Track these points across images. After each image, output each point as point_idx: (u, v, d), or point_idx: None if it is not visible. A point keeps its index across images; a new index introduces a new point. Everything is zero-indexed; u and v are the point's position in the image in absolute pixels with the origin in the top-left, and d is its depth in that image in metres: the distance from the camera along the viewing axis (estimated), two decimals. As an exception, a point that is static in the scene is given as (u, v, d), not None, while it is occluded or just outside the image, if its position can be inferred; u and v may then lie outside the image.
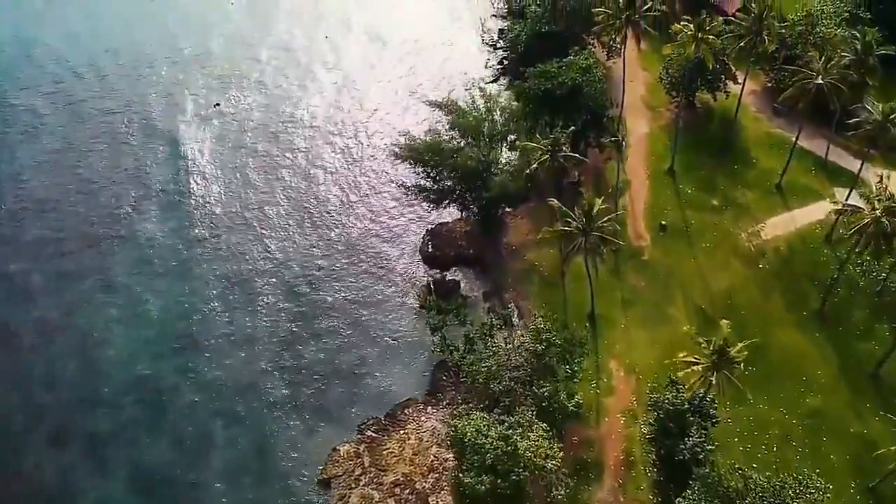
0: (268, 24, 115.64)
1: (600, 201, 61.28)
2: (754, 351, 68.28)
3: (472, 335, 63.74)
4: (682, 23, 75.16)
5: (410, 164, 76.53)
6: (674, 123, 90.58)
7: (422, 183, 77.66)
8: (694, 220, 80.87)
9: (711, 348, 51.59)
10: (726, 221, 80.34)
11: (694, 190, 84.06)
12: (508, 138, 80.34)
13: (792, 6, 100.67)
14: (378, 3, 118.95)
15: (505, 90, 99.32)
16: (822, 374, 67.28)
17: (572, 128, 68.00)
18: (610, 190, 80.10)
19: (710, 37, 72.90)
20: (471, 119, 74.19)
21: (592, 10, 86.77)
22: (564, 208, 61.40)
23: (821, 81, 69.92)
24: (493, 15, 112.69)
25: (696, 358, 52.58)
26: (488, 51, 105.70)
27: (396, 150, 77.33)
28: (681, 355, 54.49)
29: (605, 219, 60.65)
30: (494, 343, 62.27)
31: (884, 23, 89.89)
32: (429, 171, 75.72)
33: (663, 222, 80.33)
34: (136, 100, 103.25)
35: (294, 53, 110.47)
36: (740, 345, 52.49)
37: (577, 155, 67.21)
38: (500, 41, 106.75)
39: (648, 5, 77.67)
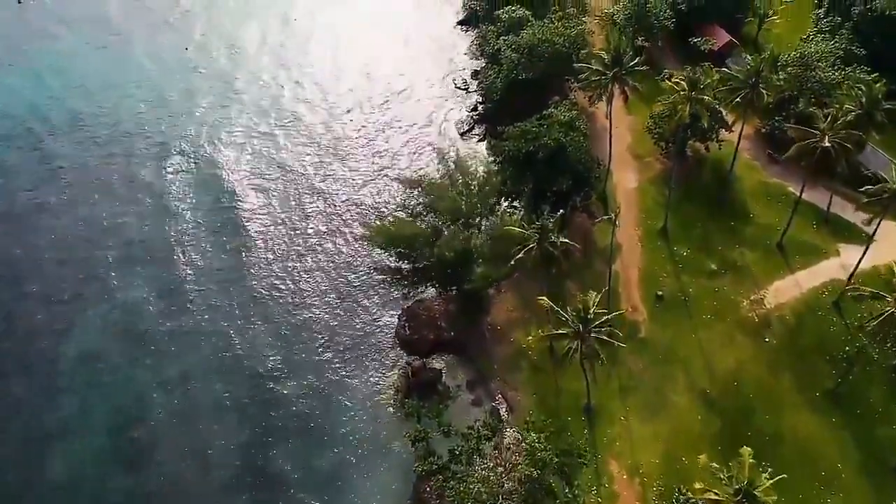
0: (221, 75, 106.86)
1: (595, 297, 54.53)
2: (766, 442, 63.20)
3: (457, 451, 56.59)
4: (673, 79, 68.75)
5: (382, 248, 69.07)
6: (664, 176, 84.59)
7: (395, 265, 70.21)
8: (692, 287, 74.64)
9: (734, 487, 44.98)
10: (726, 288, 74.32)
11: (690, 251, 77.87)
12: (490, 201, 73.55)
13: (784, 44, 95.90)
14: (336, 42, 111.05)
15: (481, 140, 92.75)
16: (842, 469, 61.44)
17: (561, 212, 61.23)
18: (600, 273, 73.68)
19: (706, 97, 66.57)
20: (448, 199, 66.74)
21: (574, 62, 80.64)
22: (556, 307, 54.62)
23: (827, 144, 63.89)
24: (465, 53, 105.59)
25: (716, 495, 45.99)
26: (461, 96, 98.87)
27: (367, 232, 69.63)
28: (697, 486, 47.92)
29: (603, 320, 53.83)
30: (483, 461, 55.17)
31: (879, 59, 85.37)
32: (403, 251, 68.31)
33: (659, 292, 73.98)
34: (76, 159, 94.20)
35: (249, 109, 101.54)
36: (766, 479, 45.96)
37: (567, 241, 60.32)
38: (474, 83, 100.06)
39: (636, 61, 71.08)
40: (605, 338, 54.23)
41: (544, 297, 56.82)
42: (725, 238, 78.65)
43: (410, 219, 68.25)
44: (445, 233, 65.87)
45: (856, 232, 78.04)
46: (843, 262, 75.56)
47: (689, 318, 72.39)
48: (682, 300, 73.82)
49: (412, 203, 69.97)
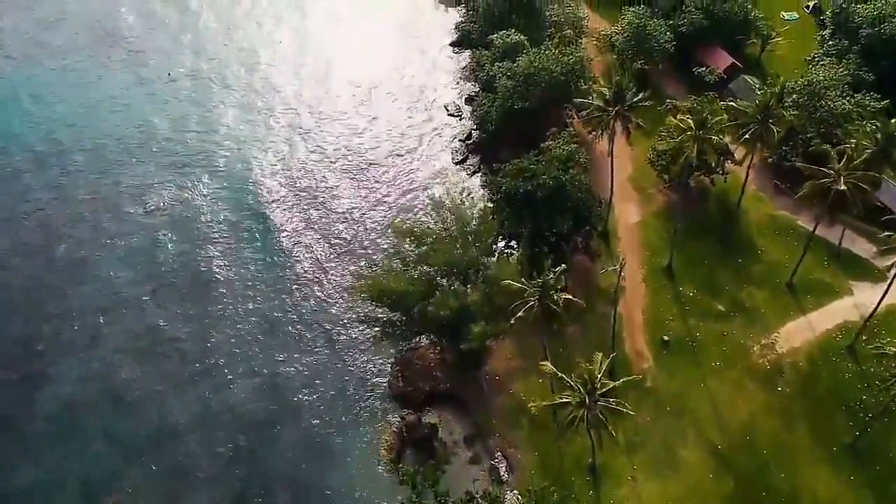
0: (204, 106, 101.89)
1: (600, 363, 50.71)
2: (782, 503, 59.84)
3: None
4: (678, 116, 65.16)
5: (371, 302, 65.09)
6: (667, 209, 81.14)
7: (387, 317, 66.27)
8: (699, 331, 71.10)
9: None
10: (735, 331, 70.81)
11: (696, 292, 74.30)
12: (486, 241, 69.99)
13: (788, 66, 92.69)
14: (325, 65, 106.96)
15: (476, 172, 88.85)
16: (865, 535, 58.09)
17: (563, 267, 57.42)
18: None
19: (714, 137, 62.95)
20: (443, 252, 62.79)
21: (573, 90, 77.08)
22: (560, 373, 50.88)
23: (843, 187, 60.39)
24: (459, 77, 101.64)
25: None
26: (454, 124, 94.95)
27: (358, 283, 65.57)
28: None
29: (611, 387, 50.10)
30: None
31: (886, 83, 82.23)
32: (395, 302, 64.41)
33: (665, 337, 70.40)
34: (60, 191, 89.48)
35: (236, 137, 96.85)
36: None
37: (570, 297, 56.58)
38: (468, 109, 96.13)
39: (639, 97, 67.37)
40: (613, 405, 50.52)
41: (547, 363, 53.12)
42: (733, 277, 75.16)
43: (403, 269, 64.19)
44: (440, 284, 61.81)
45: (868, 268, 75.00)
46: (856, 301, 72.32)
47: (698, 366, 68.86)
48: (690, 345, 70.27)
49: (404, 250, 65.89)
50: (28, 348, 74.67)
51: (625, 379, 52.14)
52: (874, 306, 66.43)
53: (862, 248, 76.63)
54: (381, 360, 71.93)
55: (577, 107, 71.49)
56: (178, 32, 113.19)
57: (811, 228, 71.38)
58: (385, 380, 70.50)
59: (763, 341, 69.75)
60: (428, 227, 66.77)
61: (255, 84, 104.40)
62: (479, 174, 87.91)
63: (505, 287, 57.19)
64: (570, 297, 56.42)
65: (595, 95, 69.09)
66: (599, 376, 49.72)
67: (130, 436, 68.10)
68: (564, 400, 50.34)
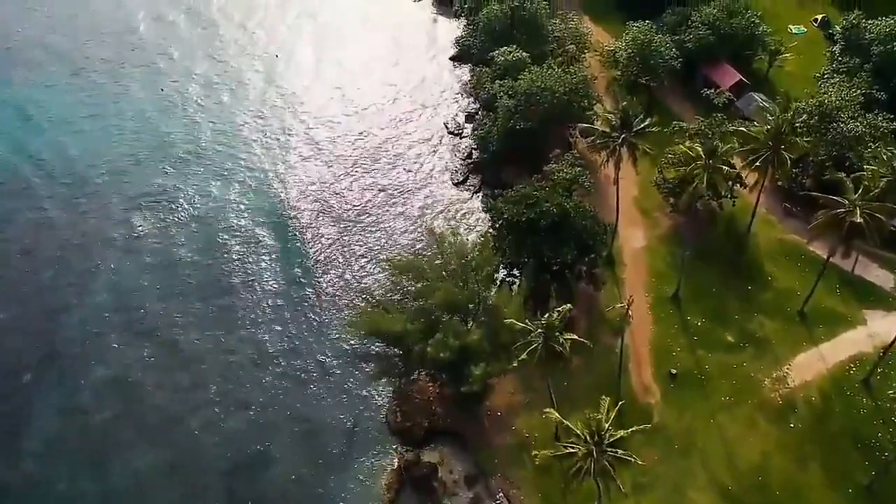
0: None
1: (607, 410, 48.25)
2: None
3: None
4: (687, 144, 62.74)
5: (369, 338, 62.74)
6: (673, 233, 78.76)
7: (384, 353, 63.82)
8: (708, 363, 68.69)
9: None
10: (745, 364, 68.38)
11: (704, 321, 71.89)
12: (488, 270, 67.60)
13: (797, 82, 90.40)
14: (324, 81, 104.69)
15: (477, 192, 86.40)
16: (883, 585, 55.71)
17: (568, 306, 54.86)
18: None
19: (725, 167, 60.50)
20: (442, 291, 60.25)
21: (576, 110, 74.68)
22: (566, 422, 48.44)
23: (859, 220, 57.98)
24: (458, 93, 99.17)
25: None
26: (453, 142, 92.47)
27: (353, 318, 63.24)
28: None
29: (619, 435, 47.68)
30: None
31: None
32: (392, 339, 62.04)
33: (673, 370, 68.00)
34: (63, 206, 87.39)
35: (232, 155, 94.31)
36: None
37: (576, 337, 54.08)
38: (468, 127, 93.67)
39: (646, 123, 64.89)
40: (622, 455, 48.12)
41: (552, 411, 50.71)
42: (742, 305, 72.76)
43: (401, 305, 61.74)
44: (439, 320, 59.28)
45: (881, 295, 72.74)
46: (870, 331, 69.97)
47: (707, 400, 66.41)
48: (698, 379, 67.83)
49: (403, 286, 63.40)
50: (20, 364, 72.42)
51: (634, 428, 49.53)
52: (890, 338, 63.93)
53: (875, 274, 74.46)
54: (378, 394, 69.31)
55: (583, 132, 68.97)
56: (180, 42, 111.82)
57: (823, 254, 69.10)
58: (383, 415, 67.98)
59: (774, 374, 67.34)
60: (426, 261, 64.14)
61: (243, 97, 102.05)
62: (480, 195, 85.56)
63: (508, 326, 54.73)
64: (576, 337, 53.95)
65: (601, 121, 66.57)
66: (608, 426, 47.30)
67: (120, 474, 65.51)
68: (570, 451, 47.90)
